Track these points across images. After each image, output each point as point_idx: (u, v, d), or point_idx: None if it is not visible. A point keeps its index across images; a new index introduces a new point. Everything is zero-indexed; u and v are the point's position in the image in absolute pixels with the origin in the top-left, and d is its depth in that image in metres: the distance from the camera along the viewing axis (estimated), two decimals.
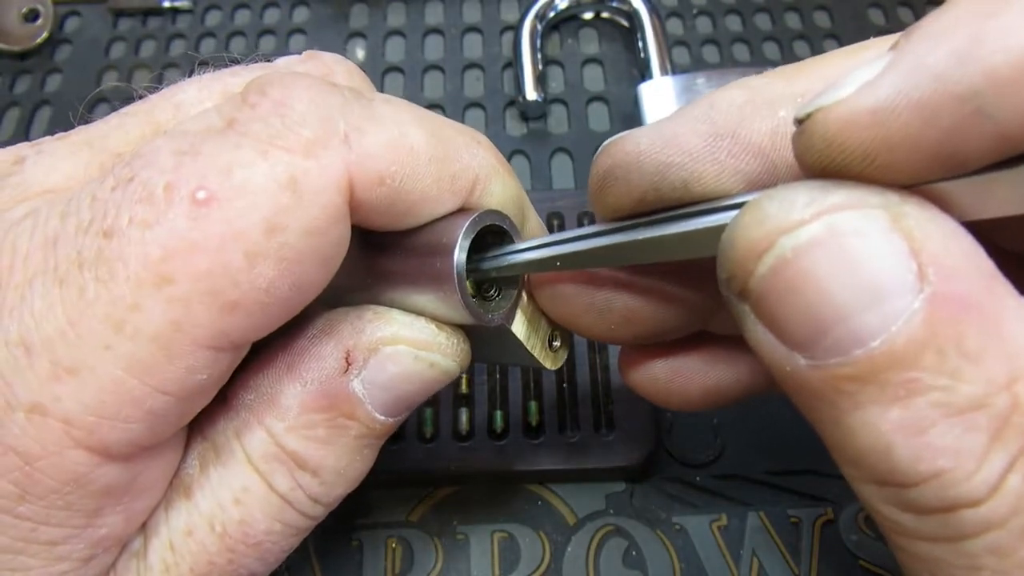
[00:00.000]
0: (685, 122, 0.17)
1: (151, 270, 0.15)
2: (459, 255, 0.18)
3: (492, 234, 0.20)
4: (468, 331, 0.20)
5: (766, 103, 0.16)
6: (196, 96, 0.20)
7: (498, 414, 0.30)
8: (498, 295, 0.21)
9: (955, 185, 0.13)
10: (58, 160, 0.19)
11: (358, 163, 0.17)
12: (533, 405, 0.30)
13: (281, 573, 0.28)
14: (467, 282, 0.18)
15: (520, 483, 0.29)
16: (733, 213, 0.15)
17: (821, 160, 0.14)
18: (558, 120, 0.40)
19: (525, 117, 0.40)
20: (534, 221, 0.22)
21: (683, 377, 0.21)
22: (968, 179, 0.13)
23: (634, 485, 0.29)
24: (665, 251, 0.17)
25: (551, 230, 0.33)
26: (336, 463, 0.19)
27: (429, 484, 0.29)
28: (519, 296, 0.21)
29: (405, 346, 0.19)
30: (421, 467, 0.29)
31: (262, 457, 0.18)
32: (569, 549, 0.28)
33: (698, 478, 0.30)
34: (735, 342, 0.21)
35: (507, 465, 0.29)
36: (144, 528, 0.18)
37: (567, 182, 0.38)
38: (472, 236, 0.18)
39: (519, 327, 0.21)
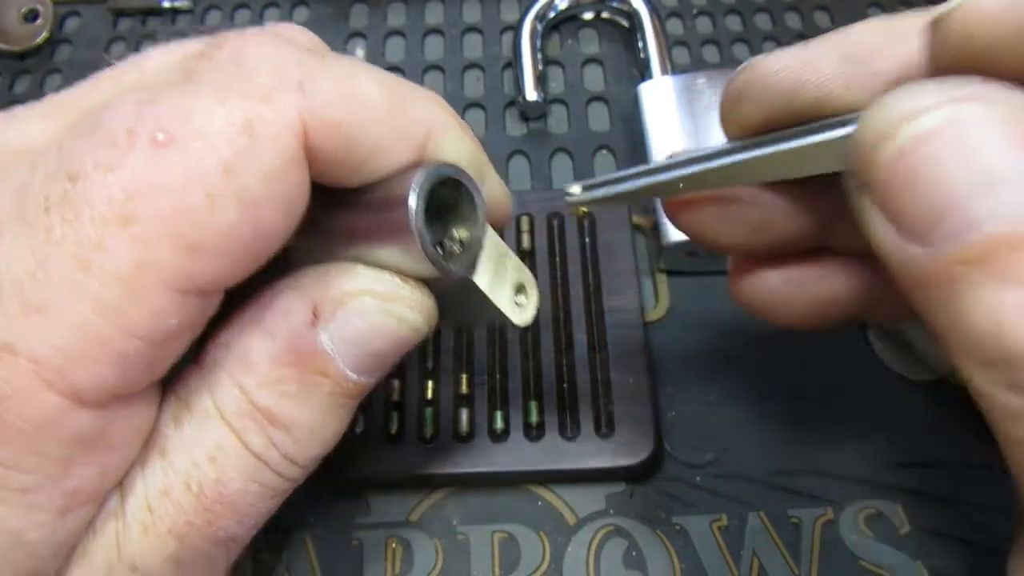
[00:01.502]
0: (820, 47, 0.18)
1: (115, 210, 0.16)
2: (415, 203, 0.18)
3: (451, 191, 0.20)
4: (434, 289, 0.20)
5: (899, 34, 0.17)
6: (160, 59, 0.20)
7: (498, 414, 0.30)
8: (460, 251, 0.21)
9: None
10: (29, 123, 0.19)
11: (312, 110, 0.17)
12: (533, 405, 0.30)
13: (281, 573, 0.28)
14: (426, 232, 0.18)
15: (520, 483, 0.29)
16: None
17: (959, 55, 0.15)
18: (558, 120, 0.40)
19: (525, 117, 0.40)
20: (495, 183, 0.23)
21: (795, 287, 0.22)
22: None
23: (634, 485, 0.29)
24: (794, 164, 0.18)
25: (551, 230, 0.34)
26: (309, 420, 0.19)
27: (429, 484, 0.29)
28: (482, 248, 0.21)
29: (370, 298, 0.19)
30: (421, 467, 0.29)
31: (235, 413, 0.19)
32: (569, 549, 0.28)
33: (698, 478, 0.30)
34: (851, 259, 0.22)
35: (507, 465, 0.29)
36: (121, 487, 0.19)
37: (567, 182, 0.38)
38: (428, 185, 0.19)
39: (483, 279, 0.21)
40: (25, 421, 0.16)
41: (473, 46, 0.43)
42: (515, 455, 0.29)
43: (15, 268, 0.16)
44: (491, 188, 0.22)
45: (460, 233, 0.21)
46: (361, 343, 0.19)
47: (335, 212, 0.20)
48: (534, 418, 0.30)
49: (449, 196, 0.20)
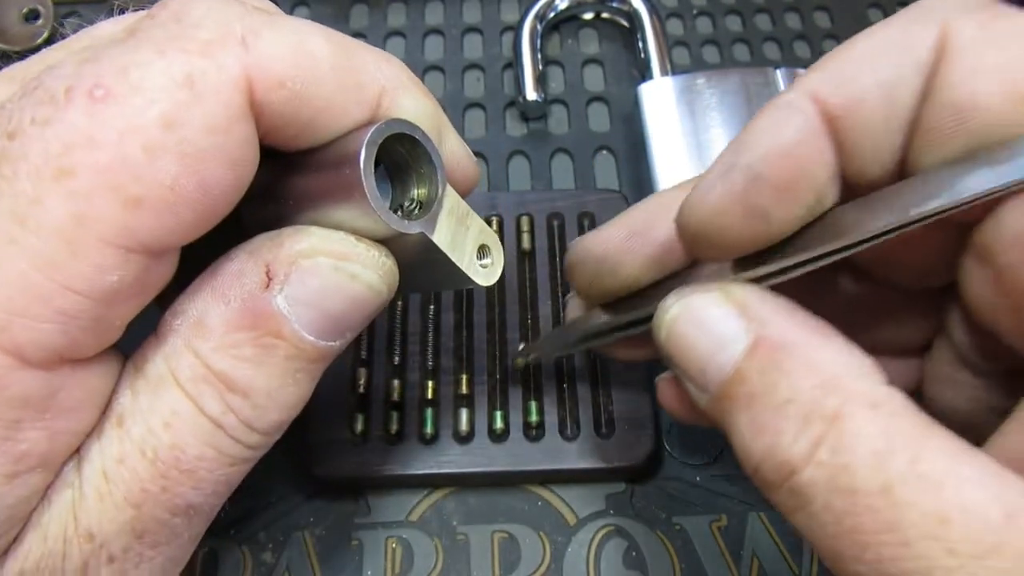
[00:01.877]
0: (613, 226, 0.24)
1: (51, 164, 0.16)
2: (363, 156, 0.18)
3: (407, 149, 0.20)
4: (395, 253, 0.20)
5: (670, 208, 0.21)
6: (111, 28, 0.20)
7: (498, 414, 0.30)
8: (419, 211, 0.20)
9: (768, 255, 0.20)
10: None
11: (256, 64, 0.17)
12: (533, 405, 0.30)
13: (281, 573, 0.28)
14: (377, 187, 0.18)
15: (520, 483, 0.30)
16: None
17: (694, 244, 0.21)
18: (558, 120, 0.40)
19: (525, 117, 0.40)
20: (454, 142, 0.22)
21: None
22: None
23: (634, 485, 0.29)
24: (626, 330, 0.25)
25: (551, 230, 0.34)
26: (267, 384, 0.19)
27: (429, 484, 0.29)
28: (441, 205, 0.20)
29: (324, 257, 0.19)
30: (421, 467, 0.29)
31: (190, 379, 0.18)
32: (569, 549, 0.28)
33: (698, 478, 0.30)
34: None
35: (507, 465, 0.29)
36: (78, 455, 0.18)
37: (567, 182, 0.38)
38: (378, 139, 0.18)
39: (442, 238, 0.20)
40: None
41: (473, 46, 0.43)
42: (515, 455, 0.29)
43: None
44: (451, 148, 0.22)
45: (419, 193, 0.20)
46: (316, 304, 0.19)
47: (289, 176, 0.20)
48: (534, 418, 0.30)
49: (407, 155, 0.20)
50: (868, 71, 0.19)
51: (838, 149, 0.19)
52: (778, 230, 0.19)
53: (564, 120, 0.40)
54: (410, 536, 0.29)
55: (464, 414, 0.30)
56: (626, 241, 0.23)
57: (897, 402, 0.17)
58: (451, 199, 0.20)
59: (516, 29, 0.41)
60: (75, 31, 0.21)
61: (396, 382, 0.30)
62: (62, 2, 0.44)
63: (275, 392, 0.19)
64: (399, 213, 0.19)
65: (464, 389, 0.30)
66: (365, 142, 0.18)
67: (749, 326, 0.19)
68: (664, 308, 0.21)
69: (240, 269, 0.19)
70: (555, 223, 0.34)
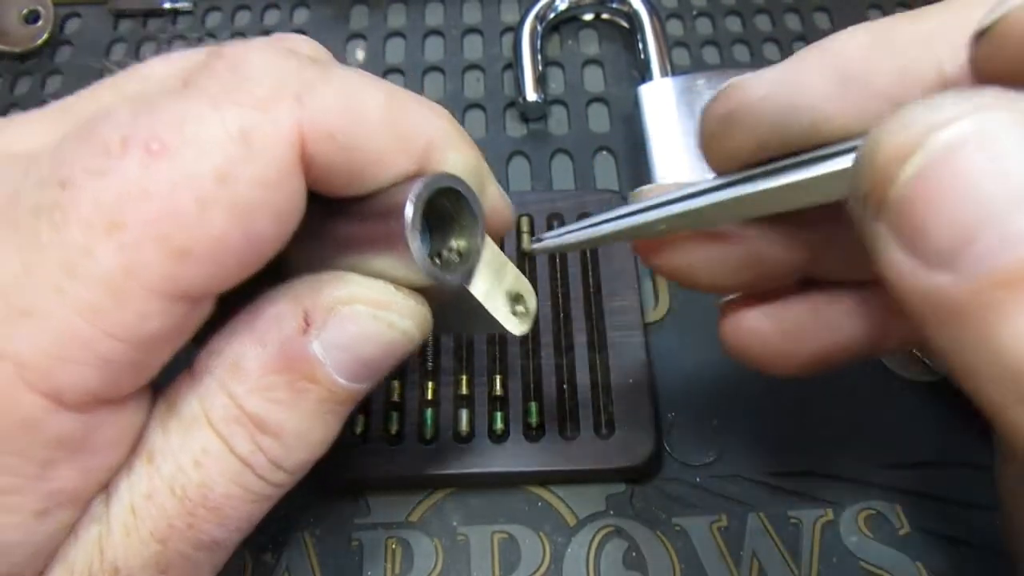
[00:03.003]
0: (811, 66, 0.17)
1: (103, 215, 0.16)
2: (410, 212, 0.18)
3: (450, 201, 0.20)
4: (430, 298, 0.20)
5: (894, 44, 0.16)
6: (162, 69, 0.20)
7: (498, 415, 0.30)
8: (459, 259, 0.21)
9: None
10: (27, 128, 0.19)
11: (310, 119, 0.17)
12: (533, 406, 0.30)
13: (281, 573, 0.28)
14: (420, 242, 0.18)
15: (520, 484, 0.30)
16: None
17: (1012, 65, 0.13)
18: (558, 121, 0.40)
19: (525, 118, 0.40)
20: (495, 193, 0.22)
21: (791, 336, 0.21)
22: None
23: (634, 486, 0.29)
24: (792, 199, 0.17)
25: (551, 231, 0.33)
26: (297, 427, 0.19)
27: (429, 485, 0.29)
28: (479, 256, 0.21)
29: (362, 305, 0.19)
30: (421, 468, 0.29)
31: (222, 419, 0.19)
32: (569, 550, 0.28)
33: (698, 479, 0.30)
34: (849, 293, 0.21)
35: (507, 466, 0.29)
36: (107, 492, 0.19)
37: (567, 183, 0.38)
38: (425, 196, 0.18)
39: (479, 288, 0.21)
40: (6, 422, 0.16)
41: (473, 47, 0.43)
42: (515, 456, 0.29)
43: (2, 272, 0.16)
44: (491, 198, 0.22)
45: (458, 243, 0.21)
46: (352, 349, 0.19)
47: (332, 220, 0.20)
48: (534, 419, 0.30)
49: (448, 206, 0.20)
50: None
51: None
52: None
53: (564, 121, 0.40)
54: (410, 537, 0.29)
55: (464, 415, 0.30)
56: (834, 89, 0.17)
57: None
58: (489, 250, 0.21)
59: (516, 30, 0.41)
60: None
61: (396, 382, 0.30)
62: (63, 3, 0.44)
63: (305, 433, 0.19)
64: (438, 261, 0.20)
65: (464, 390, 0.30)
66: (412, 198, 0.18)
67: None
68: (931, 121, 0.13)
69: (279, 313, 0.19)
70: (555, 223, 0.34)
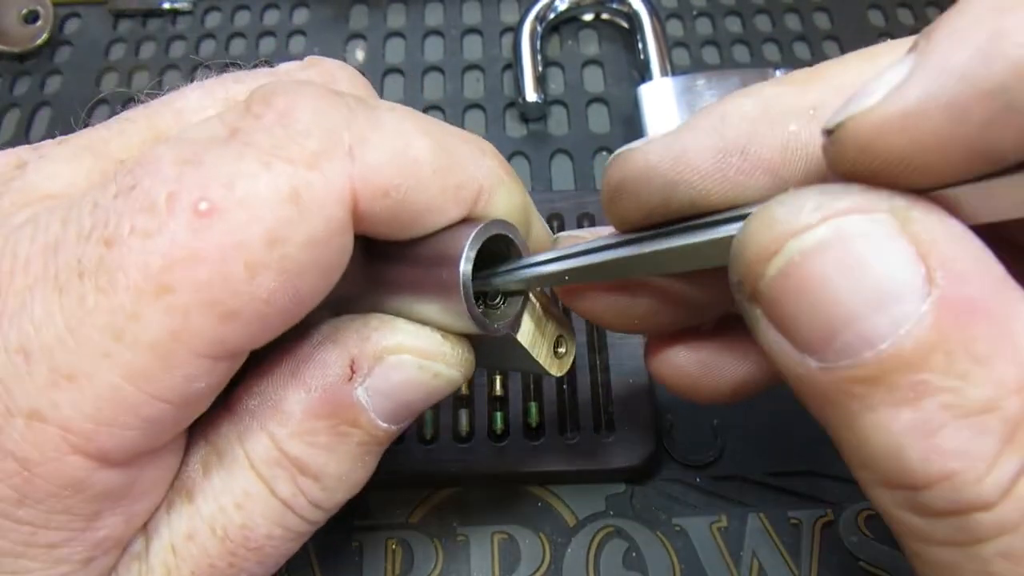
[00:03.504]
0: (695, 137, 0.17)
1: (151, 280, 0.15)
2: (465, 266, 0.18)
3: (497, 243, 0.20)
4: (472, 339, 0.20)
5: (777, 116, 0.16)
6: (198, 103, 0.20)
7: (498, 416, 0.30)
8: (503, 303, 0.21)
9: (964, 190, 0.13)
10: (60, 165, 0.19)
11: (362, 175, 0.17)
12: (533, 407, 0.30)
13: (281, 573, 0.28)
14: (472, 295, 0.18)
15: (520, 484, 0.29)
16: (741, 224, 0.15)
17: (855, 168, 0.14)
18: (558, 121, 0.40)
19: (525, 118, 0.40)
20: (539, 228, 0.22)
21: (710, 367, 0.21)
22: (976, 184, 0.13)
23: (634, 486, 0.29)
24: (675, 263, 0.18)
25: (551, 231, 0.33)
26: (338, 469, 0.19)
27: (429, 485, 0.29)
28: (525, 304, 0.21)
29: (410, 355, 0.19)
30: (421, 468, 0.29)
31: (264, 462, 0.19)
32: (569, 550, 0.28)
33: (698, 479, 0.30)
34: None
35: (507, 466, 0.29)
36: (146, 530, 0.19)
37: (567, 183, 0.38)
38: (478, 247, 0.18)
39: (525, 336, 0.21)
40: (53, 484, 0.16)
41: (473, 47, 0.43)
42: (515, 456, 0.29)
43: (45, 334, 0.15)
44: (536, 235, 0.22)
45: (504, 286, 0.21)
46: (396, 396, 0.19)
47: (380, 263, 0.20)
48: (534, 419, 0.30)
49: (497, 250, 0.20)
50: None
51: None
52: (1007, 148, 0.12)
53: (564, 121, 0.40)
54: (410, 537, 0.29)
55: (464, 415, 0.30)
56: (716, 162, 0.17)
57: None
58: (534, 294, 0.21)
59: (516, 30, 0.41)
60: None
61: None
62: (62, 3, 0.44)
63: (345, 475, 0.19)
64: (482, 305, 0.20)
65: (464, 390, 0.30)
66: (466, 249, 0.18)
67: (932, 277, 0.13)
68: (791, 224, 0.14)
69: (324, 359, 0.19)
70: (555, 224, 0.34)
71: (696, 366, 0.21)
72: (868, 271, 0.13)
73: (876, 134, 0.13)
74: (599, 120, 0.40)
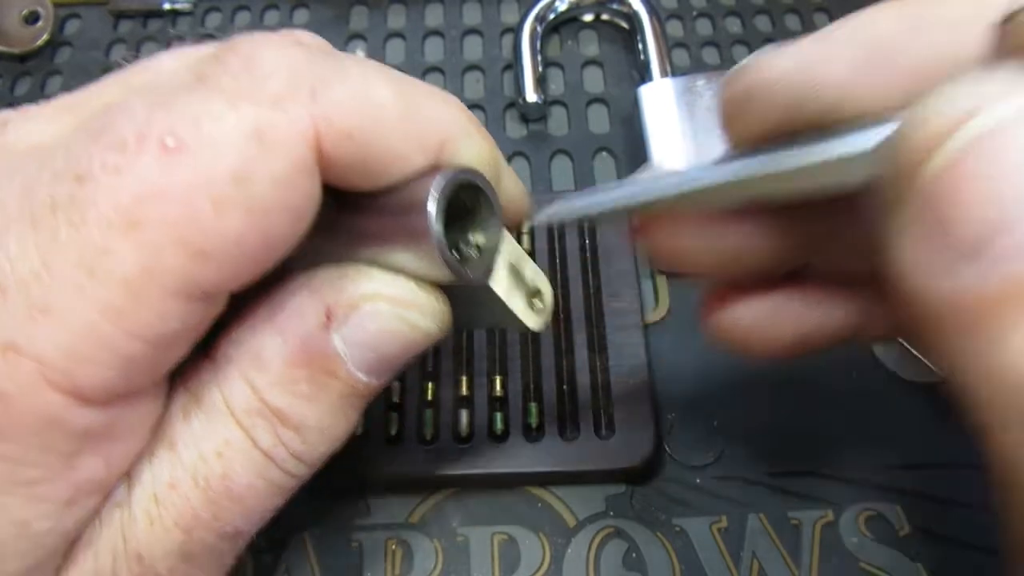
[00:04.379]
0: (836, 40, 0.16)
1: (122, 214, 0.16)
2: (433, 207, 0.18)
3: (468, 195, 0.20)
4: (447, 293, 0.20)
5: (927, 24, 0.15)
6: (172, 63, 0.20)
7: (498, 416, 0.30)
8: (478, 254, 0.21)
9: None
10: (41, 123, 0.19)
11: (325, 117, 0.17)
12: (533, 407, 0.30)
13: (281, 574, 0.28)
14: (444, 239, 0.18)
15: (520, 485, 0.29)
16: (881, 132, 0.14)
17: None
18: (558, 122, 0.40)
19: (525, 119, 0.40)
20: (511, 183, 0.22)
21: (775, 320, 0.21)
22: None
23: (634, 487, 0.29)
24: (815, 179, 0.16)
25: (551, 232, 0.34)
26: (318, 421, 0.19)
27: (429, 486, 0.29)
28: (500, 253, 0.20)
29: (385, 303, 0.19)
30: (421, 469, 0.29)
31: (244, 411, 0.19)
32: (569, 551, 0.28)
33: (698, 480, 0.30)
34: (836, 282, 0.21)
35: (507, 467, 0.29)
36: (129, 478, 0.19)
37: (567, 183, 0.38)
38: (447, 192, 0.18)
39: (500, 285, 0.21)
40: (31, 419, 0.16)
41: (473, 48, 0.43)
42: (515, 457, 0.29)
43: (20, 268, 0.16)
44: (507, 188, 0.22)
45: (476, 238, 0.21)
46: (373, 346, 0.19)
47: (350, 214, 0.20)
48: (534, 420, 0.30)
49: (466, 200, 0.20)
50: None
51: None
52: None
53: (564, 121, 0.40)
54: (410, 538, 0.29)
55: (464, 415, 0.30)
56: (860, 66, 0.16)
57: None
58: (508, 244, 0.21)
59: (516, 31, 0.41)
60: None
61: (396, 383, 0.30)
62: (63, 4, 0.44)
63: (326, 427, 0.20)
64: (456, 256, 0.20)
65: (464, 391, 0.30)
66: (434, 194, 0.18)
67: None
68: (971, 107, 0.12)
69: (301, 307, 0.19)
70: (555, 225, 0.34)
71: (763, 317, 0.20)
72: None
73: None
74: (599, 120, 0.40)
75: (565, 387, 0.30)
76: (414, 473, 0.29)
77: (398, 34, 0.44)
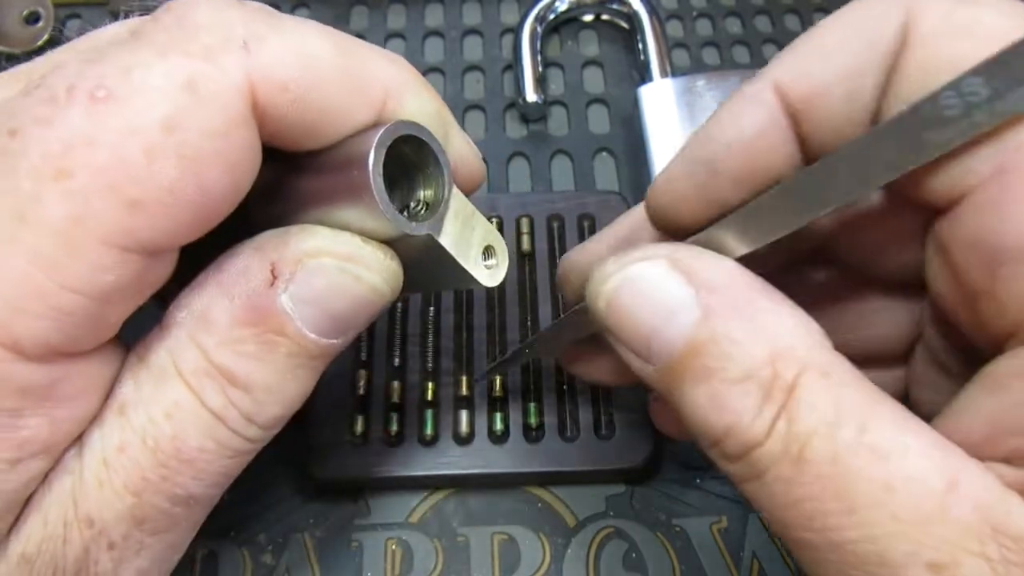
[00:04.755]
0: (599, 240, 0.25)
1: (50, 163, 0.16)
2: (372, 159, 0.18)
3: (413, 150, 0.20)
4: (399, 254, 0.20)
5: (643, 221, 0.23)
6: (114, 29, 0.21)
7: (498, 416, 0.30)
8: (425, 209, 0.20)
9: (718, 234, 0.20)
10: None
11: (259, 68, 0.17)
12: (533, 407, 0.30)
13: (281, 574, 0.28)
14: (385, 190, 0.18)
15: (520, 485, 0.30)
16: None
17: (659, 223, 0.22)
18: (558, 122, 0.40)
19: (525, 119, 0.40)
20: (460, 141, 0.22)
21: (595, 368, 0.27)
22: (722, 226, 0.20)
23: (634, 487, 0.29)
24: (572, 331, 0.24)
25: (551, 232, 0.34)
26: (268, 380, 0.19)
27: (429, 486, 0.29)
28: (447, 206, 0.20)
29: (329, 258, 0.19)
30: (421, 469, 0.29)
31: (192, 372, 0.19)
32: (569, 551, 0.28)
33: (698, 480, 0.30)
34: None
35: (507, 467, 0.29)
36: (80, 446, 0.19)
37: (567, 184, 0.38)
38: (387, 142, 0.18)
39: (448, 239, 0.20)
40: None
41: (473, 48, 0.43)
42: (515, 457, 0.29)
43: None
44: (457, 147, 0.22)
45: (425, 194, 0.21)
46: (320, 304, 0.19)
47: (295, 175, 0.20)
48: (534, 420, 0.30)
49: (411, 155, 0.20)
50: (830, 62, 0.19)
51: (799, 138, 0.20)
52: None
53: (564, 122, 0.40)
54: (410, 538, 0.29)
55: (464, 415, 0.30)
56: (613, 252, 0.22)
57: (846, 371, 0.17)
58: (457, 200, 0.20)
59: (516, 31, 0.41)
60: (80, 34, 0.21)
61: (396, 383, 0.30)
62: (63, 4, 0.44)
63: (276, 387, 0.19)
64: (405, 214, 0.20)
65: (464, 391, 0.30)
66: (374, 145, 0.18)
67: (698, 294, 0.18)
68: (602, 277, 0.20)
69: (246, 266, 0.19)
70: (555, 225, 0.34)
71: (589, 365, 0.27)
72: (654, 296, 0.19)
73: (657, 200, 0.22)
74: (599, 121, 0.40)
75: (565, 387, 0.30)
76: (414, 473, 0.29)
77: (398, 34, 0.44)
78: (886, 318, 0.24)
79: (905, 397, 0.24)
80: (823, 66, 0.19)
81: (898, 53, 0.18)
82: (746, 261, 0.20)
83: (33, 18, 0.43)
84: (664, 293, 0.19)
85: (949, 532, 0.15)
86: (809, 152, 0.20)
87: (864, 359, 0.24)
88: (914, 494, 0.15)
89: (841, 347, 0.18)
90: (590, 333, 0.24)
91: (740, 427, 0.17)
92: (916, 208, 0.19)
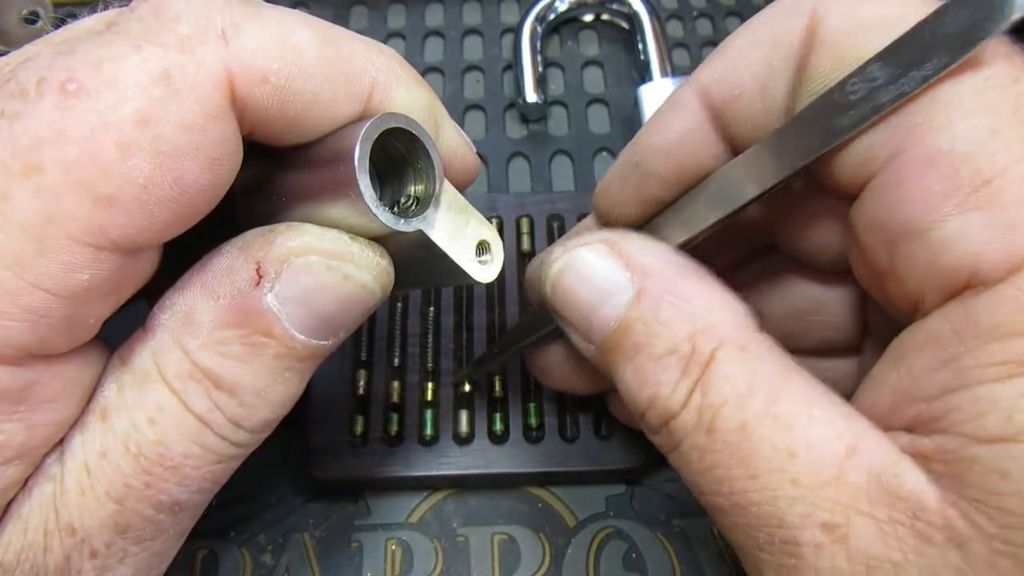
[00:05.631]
0: (557, 246, 0.24)
1: (19, 158, 0.15)
2: (358, 153, 0.17)
3: (402, 143, 0.19)
4: (391, 250, 0.20)
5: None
6: (90, 20, 0.20)
7: (498, 416, 0.30)
8: (416, 204, 0.20)
9: (660, 221, 0.22)
10: None
11: (237, 59, 0.17)
12: (533, 407, 0.30)
13: (281, 574, 0.28)
14: (371, 184, 0.18)
15: (520, 485, 0.30)
16: None
17: (604, 219, 0.24)
18: (558, 122, 0.40)
19: (525, 119, 0.40)
20: (452, 133, 0.22)
21: (555, 373, 0.28)
22: (665, 216, 0.22)
23: (634, 487, 0.29)
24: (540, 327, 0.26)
25: (551, 232, 0.34)
26: (254, 383, 0.18)
27: (429, 486, 0.29)
28: (438, 201, 0.20)
29: (317, 256, 0.18)
30: (421, 469, 0.29)
31: (176, 375, 0.18)
32: (569, 551, 0.28)
33: None
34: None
35: (507, 467, 0.29)
36: (61, 452, 0.18)
37: (567, 184, 0.38)
38: (374, 134, 0.18)
39: (440, 234, 0.19)
40: None
41: (473, 48, 0.43)
42: (515, 457, 0.29)
43: None
44: (448, 140, 0.21)
45: (416, 189, 0.20)
46: (308, 303, 0.18)
47: (282, 172, 0.19)
48: (534, 420, 0.30)
49: (403, 150, 0.19)
50: (743, 65, 0.20)
51: (724, 137, 0.21)
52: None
53: (564, 122, 0.40)
54: (410, 538, 0.29)
55: (464, 416, 0.30)
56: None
57: (764, 346, 0.18)
58: (449, 194, 0.20)
59: (516, 31, 0.41)
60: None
61: (396, 384, 0.30)
62: (62, 4, 0.44)
63: (264, 390, 0.19)
64: (395, 210, 0.19)
65: (464, 391, 0.30)
66: (359, 139, 0.17)
67: (632, 277, 0.19)
68: (548, 262, 0.21)
69: (231, 265, 0.18)
70: (555, 224, 0.34)
71: (550, 370, 0.28)
72: (592, 279, 0.20)
73: (601, 201, 0.24)
74: (599, 121, 0.40)
75: None
76: (414, 473, 0.29)
77: (398, 34, 0.44)
78: (836, 308, 0.24)
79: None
80: (738, 69, 0.20)
81: (807, 51, 0.19)
82: (695, 252, 0.21)
83: (32, 18, 0.43)
84: (601, 275, 0.20)
85: (843, 495, 0.16)
86: (737, 149, 0.21)
87: (819, 349, 0.25)
88: (814, 460, 0.16)
89: (796, 337, 0.20)
90: (550, 330, 0.25)
91: (660, 398, 0.19)
92: (835, 196, 0.20)
